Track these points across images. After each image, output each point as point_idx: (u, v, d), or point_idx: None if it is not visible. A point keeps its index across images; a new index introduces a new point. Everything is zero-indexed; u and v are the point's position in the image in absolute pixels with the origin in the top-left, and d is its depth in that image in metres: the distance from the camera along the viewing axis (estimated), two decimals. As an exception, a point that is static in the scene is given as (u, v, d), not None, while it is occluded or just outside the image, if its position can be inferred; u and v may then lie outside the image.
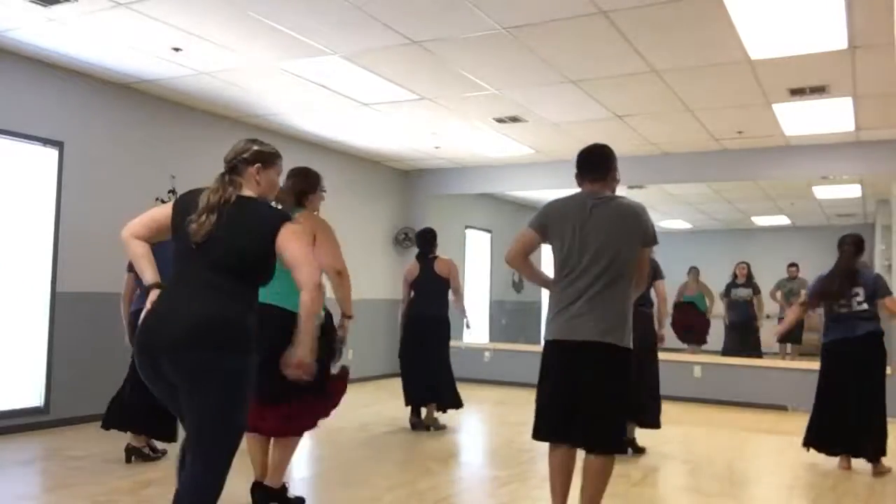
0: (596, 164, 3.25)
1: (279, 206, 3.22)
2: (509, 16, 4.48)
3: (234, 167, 2.58)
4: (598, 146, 3.33)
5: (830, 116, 6.48)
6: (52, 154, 5.68)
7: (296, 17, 4.58)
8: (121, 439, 5.22)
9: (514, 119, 6.96)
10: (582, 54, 5.13)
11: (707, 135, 7.36)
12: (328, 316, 3.56)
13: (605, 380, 3.05)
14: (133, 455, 4.59)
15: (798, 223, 12.41)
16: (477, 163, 9.26)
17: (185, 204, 2.52)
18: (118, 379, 5.98)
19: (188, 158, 6.77)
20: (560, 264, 3.16)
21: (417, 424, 5.90)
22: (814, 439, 4.93)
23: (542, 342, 3.31)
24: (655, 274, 5.16)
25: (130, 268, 4.53)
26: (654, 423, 5.06)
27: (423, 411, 5.95)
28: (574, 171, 3.30)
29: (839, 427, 4.80)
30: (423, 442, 5.54)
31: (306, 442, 5.51)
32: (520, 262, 3.27)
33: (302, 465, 4.81)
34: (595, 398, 3.03)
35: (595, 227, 3.09)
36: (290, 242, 2.44)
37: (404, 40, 4.94)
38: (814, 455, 5.26)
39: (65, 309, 5.68)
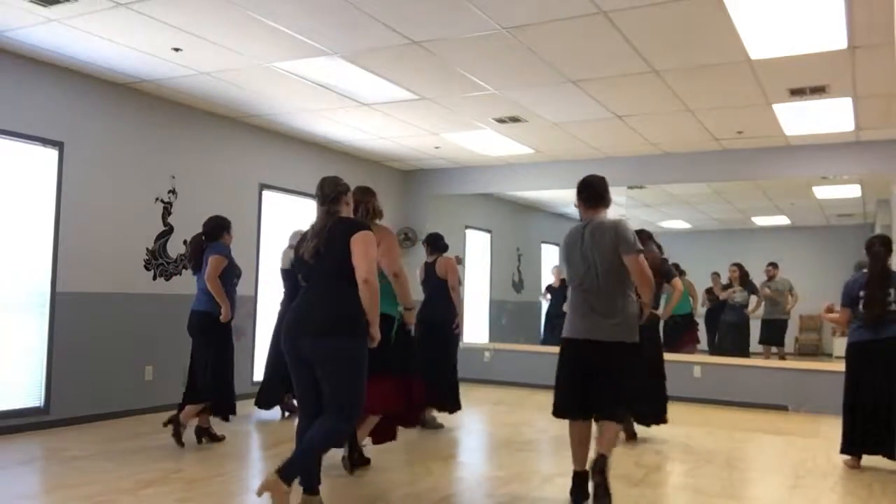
0: (592, 195, 3.90)
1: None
2: (509, 16, 4.49)
3: (334, 199, 3.38)
4: (596, 179, 3.93)
5: (830, 116, 6.49)
6: (52, 154, 5.68)
7: (296, 17, 4.58)
8: (119, 439, 5.23)
9: (514, 119, 6.96)
10: (582, 54, 5.14)
11: (707, 135, 7.36)
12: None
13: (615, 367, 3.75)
14: (203, 436, 5.11)
15: (798, 223, 12.39)
16: (477, 163, 9.26)
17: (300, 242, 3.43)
18: (118, 379, 6.02)
19: (188, 158, 6.77)
20: (574, 279, 3.88)
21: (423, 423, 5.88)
22: (850, 445, 4.88)
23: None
24: (669, 275, 5.47)
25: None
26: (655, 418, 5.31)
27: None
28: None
29: (872, 428, 4.76)
30: (424, 442, 5.54)
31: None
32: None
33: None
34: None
35: (591, 247, 3.77)
36: (354, 246, 3.23)
37: (404, 40, 4.94)
38: (814, 456, 5.26)
39: (65, 309, 5.68)
